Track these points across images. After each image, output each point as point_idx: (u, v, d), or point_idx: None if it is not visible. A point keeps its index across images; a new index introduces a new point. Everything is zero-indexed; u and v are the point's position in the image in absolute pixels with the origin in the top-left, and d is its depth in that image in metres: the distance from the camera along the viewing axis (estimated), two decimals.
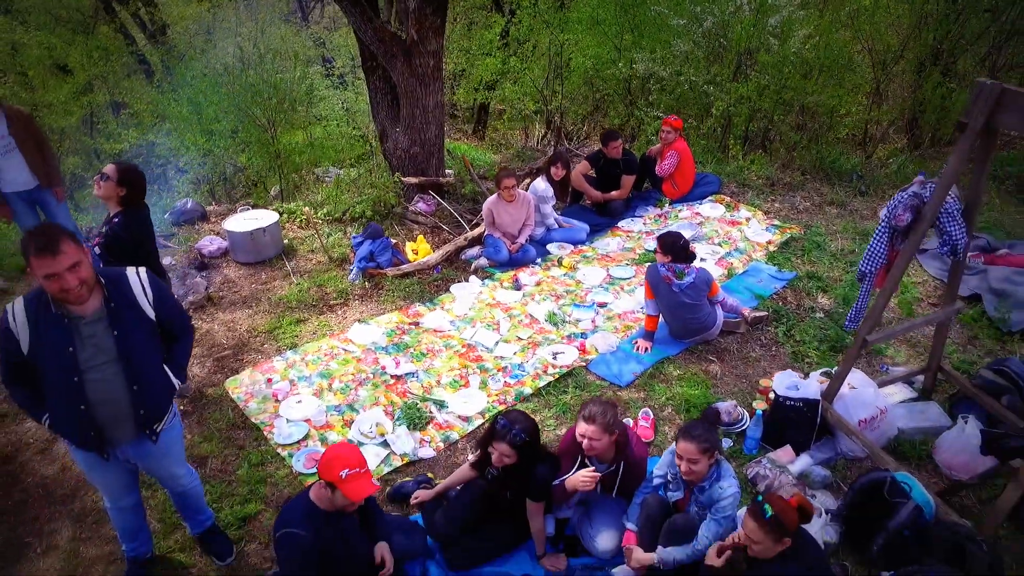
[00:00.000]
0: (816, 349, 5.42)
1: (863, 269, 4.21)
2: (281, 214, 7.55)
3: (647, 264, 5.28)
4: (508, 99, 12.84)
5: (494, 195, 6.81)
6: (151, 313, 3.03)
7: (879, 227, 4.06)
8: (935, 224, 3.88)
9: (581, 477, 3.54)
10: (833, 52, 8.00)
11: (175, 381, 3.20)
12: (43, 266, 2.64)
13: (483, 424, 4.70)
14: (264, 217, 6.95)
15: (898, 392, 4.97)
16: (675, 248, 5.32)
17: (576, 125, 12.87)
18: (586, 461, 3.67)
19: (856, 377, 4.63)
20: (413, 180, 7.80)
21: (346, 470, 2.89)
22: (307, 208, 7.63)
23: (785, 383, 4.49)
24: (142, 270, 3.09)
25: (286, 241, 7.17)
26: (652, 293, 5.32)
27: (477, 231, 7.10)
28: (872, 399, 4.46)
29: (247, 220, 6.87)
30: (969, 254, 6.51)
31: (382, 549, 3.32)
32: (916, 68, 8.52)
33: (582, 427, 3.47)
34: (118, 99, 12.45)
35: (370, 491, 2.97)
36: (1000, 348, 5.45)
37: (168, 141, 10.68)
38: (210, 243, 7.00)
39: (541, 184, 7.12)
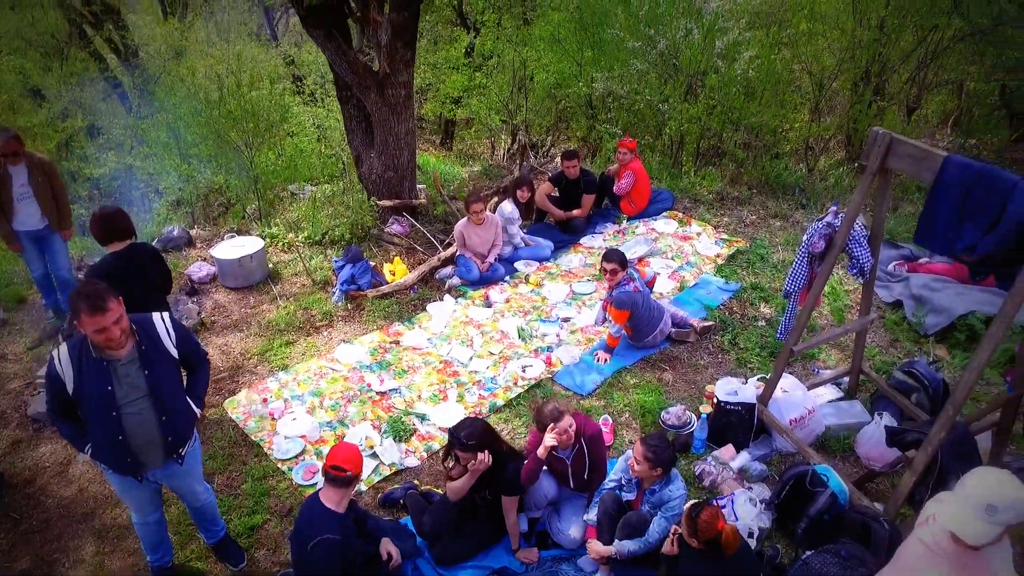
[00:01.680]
0: (757, 356, 6.06)
1: (788, 288, 4.84)
2: (264, 238, 8.03)
3: (611, 295, 5.84)
4: (474, 112, 13.40)
5: (464, 218, 7.37)
6: (174, 352, 3.55)
7: (800, 251, 4.69)
8: (846, 249, 4.52)
9: (547, 440, 4.08)
10: (775, 73, 8.66)
11: (196, 409, 3.72)
12: (94, 323, 3.15)
13: None
14: (250, 244, 7.42)
15: (827, 392, 5.62)
16: (622, 257, 5.88)
17: (541, 136, 13.45)
18: (554, 452, 4.25)
19: (788, 381, 5.26)
20: (388, 203, 8.31)
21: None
22: (291, 235, 8.10)
23: (726, 389, 5.11)
24: (166, 315, 3.61)
25: (271, 265, 7.66)
26: (627, 315, 5.87)
27: (449, 251, 7.64)
28: (801, 400, 5.10)
29: (234, 247, 7.34)
30: (894, 263, 7.29)
31: (387, 544, 3.88)
32: (851, 87, 9.22)
33: (562, 423, 4.05)
34: (95, 124, 12.76)
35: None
36: (917, 349, 6.13)
37: (147, 165, 11.06)
38: (199, 269, 7.46)
39: (508, 206, 7.69)
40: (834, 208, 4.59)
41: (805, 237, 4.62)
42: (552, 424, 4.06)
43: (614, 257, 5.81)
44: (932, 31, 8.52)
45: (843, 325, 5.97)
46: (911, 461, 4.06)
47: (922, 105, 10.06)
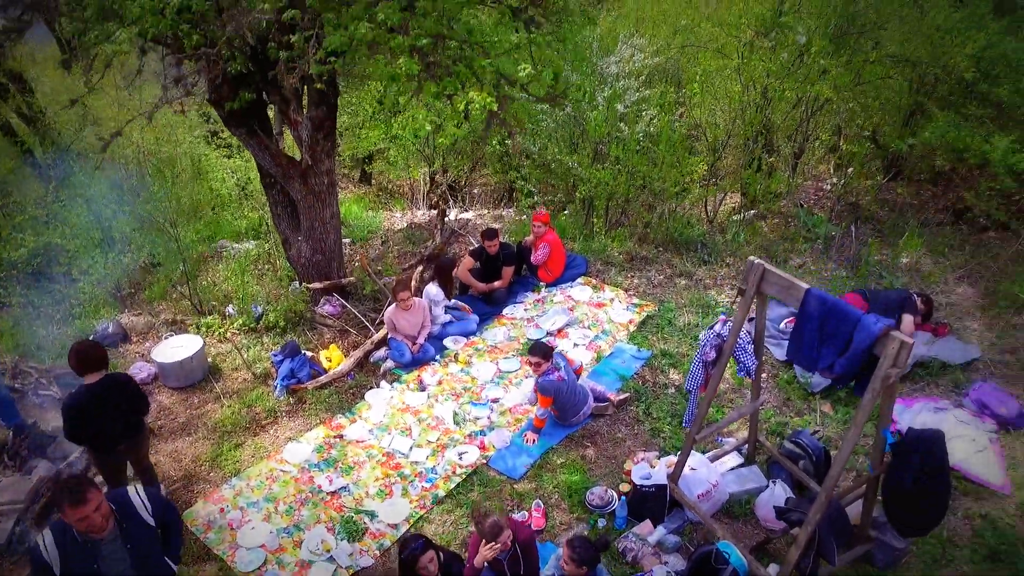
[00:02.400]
0: (669, 424, 6.79)
1: (688, 387, 5.56)
2: (200, 329, 8.33)
3: (538, 382, 6.46)
4: (392, 162, 13.78)
5: (392, 305, 7.88)
6: (152, 521, 3.98)
7: (696, 357, 5.41)
8: (733, 355, 5.25)
9: (485, 552, 4.68)
10: (672, 136, 9.45)
11: (173, 567, 4.15)
12: (76, 513, 3.56)
13: (408, 529, 5.80)
14: (188, 343, 7.73)
15: (731, 459, 6.39)
16: (545, 350, 6.52)
17: (461, 174, 13.88)
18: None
19: (694, 459, 5.98)
20: (319, 285, 8.73)
21: None
22: (231, 334, 8.39)
23: (640, 473, 5.80)
24: (140, 488, 4.02)
25: (210, 359, 7.98)
26: (552, 401, 6.50)
27: (381, 334, 8.13)
28: (706, 476, 5.84)
29: (173, 348, 7.64)
30: (784, 320, 8.14)
31: None
32: (743, 144, 10.12)
33: (500, 538, 4.64)
34: (9, 200, 12.57)
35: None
36: (806, 406, 6.98)
37: (68, 244, 11.05)
38: (140, 370, 7.73)
39: (432, 289, 8.24)
40: (723, 318, 5.32)
41: (700, 345, 5.34)
42: (491, 539, 4.65)
43: (537, 351, 6.44)
44: (813, 101, 9.50)
45: (737, 409, 6.70)
46: (796, 536, 4.82)
47: (806, 151, 11.09)
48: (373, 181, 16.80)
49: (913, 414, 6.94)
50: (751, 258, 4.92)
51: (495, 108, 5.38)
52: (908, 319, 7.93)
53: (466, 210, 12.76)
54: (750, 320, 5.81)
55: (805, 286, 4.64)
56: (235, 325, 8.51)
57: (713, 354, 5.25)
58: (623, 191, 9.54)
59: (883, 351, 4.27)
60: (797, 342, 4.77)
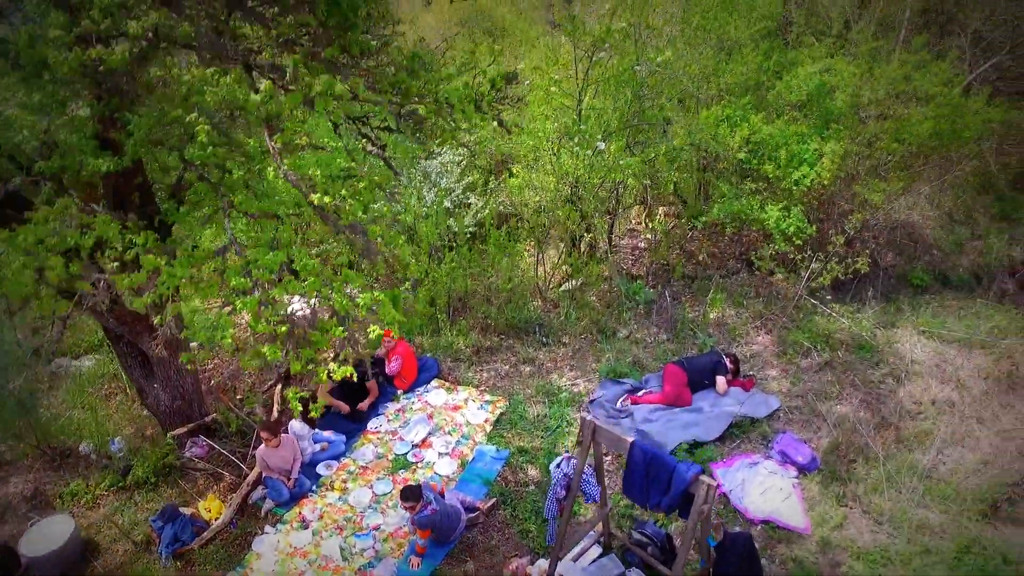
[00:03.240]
0: (535, 524, 7.65)
1: (546, 516, 6.44)
2: (65, 499, 8.27)
3: (415, 518, 7.11)
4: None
5: (262, 444, 8.22)
6: None
7: (549, 494, 6.29)
8: (580, 489, 6.17)
9: None
10: (500, 234, 10.34)
11: None
12: None
13: None
14: (58, 527, 7.65)
15: (593, 550, 7.34)
16: (416, 493, 7.17)
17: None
18: None
19: (562, 565, 6.88)
20: (182, 430, 8.86)
21: None
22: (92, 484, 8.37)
23: None
24: None
25: (83, 534, 7.96)
26: (430, 532, 7.15)
27: (255, 472, 8.44)
28: None
29: (45, 539, 7.54)
30: (620, 399, 9.23)
31: None
32: (566, 231, 11.19)
33: None
34: None
35: None
36: None
37: None
38: None
39: (296, 424, 8.67)
40: (567, 455, 6.22)
41: (552, 483, 6.22)
42: None
43: (410, 497, 7.09)
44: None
45: (590, 520, 7.58)
46: None
47: (618, 216, 12.34)
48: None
49: (733, 473, 8.20)
50: (583, 415, 5.83)
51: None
52: (721, 380, 9.26)
53: None
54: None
55: (630, 439, 5.60)
56: (102, 486, 8.49)
57: (563, 492, 6.14)
58: (460, 286, 10.31)
59: (696, 491, 5.30)
60: (629, 483, 5.74)
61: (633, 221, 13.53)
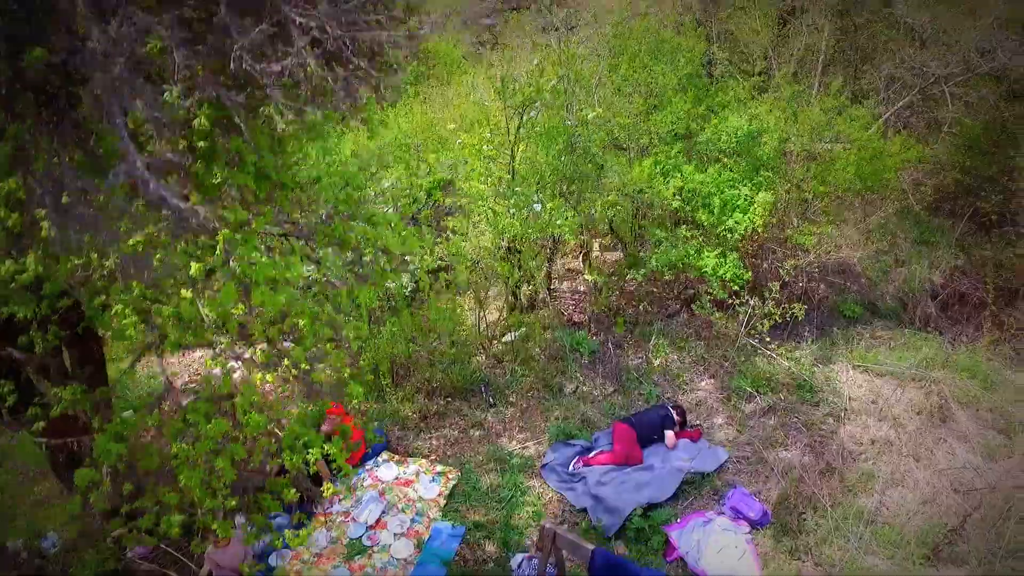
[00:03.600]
0: None
1: None
2: None
3: None
4: None
5: (210, 546, 7.90)
6: None
7: None
8: None
9: None
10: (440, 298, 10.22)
11: None
12: None
13: None
14: None
15: None
16: None
17: None
18: None
19: None
20: (123, 531, 8.45)
21: None
22: None
23: None
24: None
25: None
26: None
27: (204, 571, 8.10)
28: None
29: None
30: (572, 462, 9.22)
31: None
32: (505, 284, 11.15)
33: None
34: None
35: None
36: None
37: None
38: None
39: (239, 519, 8.33)
40: (526, 556, 6.16)
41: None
42: None
43: None
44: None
45: None
46: None
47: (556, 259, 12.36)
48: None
49: (688, 534, 8.26)
50: (544, 523, 5.78)
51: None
52: (669, 434, 9.37)
53: None
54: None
55: (591, 547, 5.58)
56: None
57: None
58: (405, 353, 10.14)
59: None
60: None
61: (570, 256, 13.59)
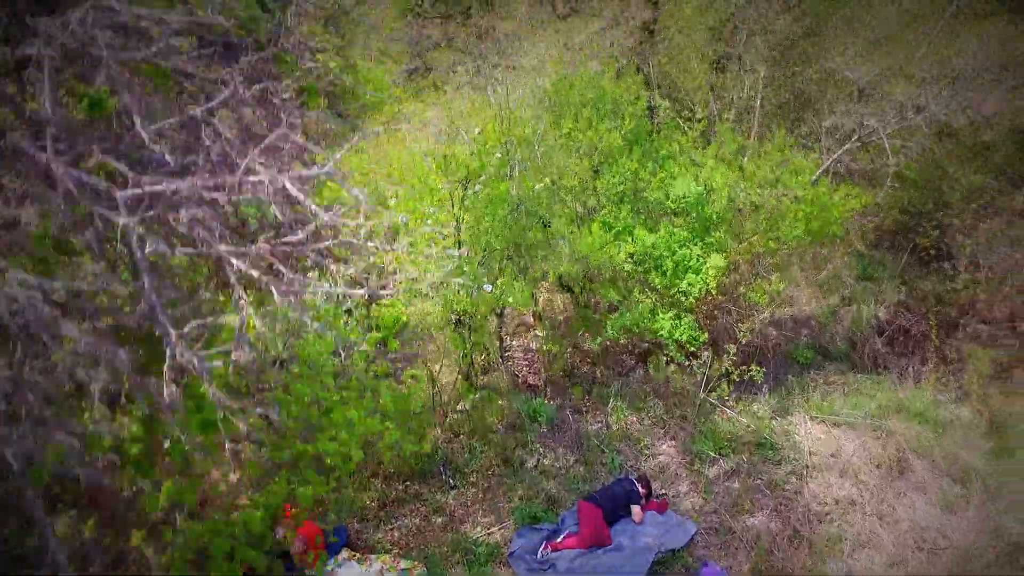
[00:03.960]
0: None
1: None
2: None
3: None
4: None
5: None
6: None
7: None
8: None
9: None
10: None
11: None
12: None
13: None
14: None
15: None
16: None
17: None
18: None
19: None
20: None
21: None
22: None
23: None
24: None
25: None
26: None
27: None
28: None
29: None
30: (540, 549, 8.96)
31: None
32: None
33: None
34: None
35: None
36: None
37: None
38: None
39: None
40: None
41: None
42: None
43: None
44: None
45: None
46: None
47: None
48: None
49: None
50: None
51: None
52: (636, 509, 9.20)
53: None
54: None
55: None
56: None
57: None
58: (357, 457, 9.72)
59: None
60: None
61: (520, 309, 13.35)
